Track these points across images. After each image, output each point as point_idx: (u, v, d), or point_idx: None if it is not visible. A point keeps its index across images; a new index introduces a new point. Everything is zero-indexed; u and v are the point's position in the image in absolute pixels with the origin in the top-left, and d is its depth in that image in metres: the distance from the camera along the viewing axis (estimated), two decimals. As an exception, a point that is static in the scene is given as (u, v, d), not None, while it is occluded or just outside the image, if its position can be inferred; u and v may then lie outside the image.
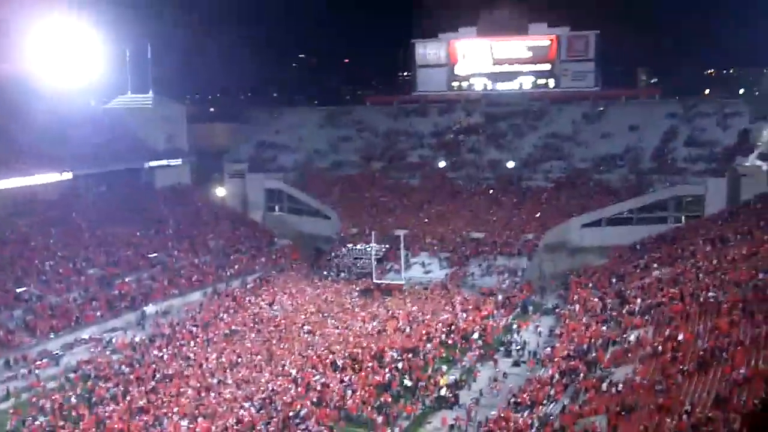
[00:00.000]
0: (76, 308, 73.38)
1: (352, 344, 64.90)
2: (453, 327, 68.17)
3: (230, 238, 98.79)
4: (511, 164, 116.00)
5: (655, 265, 73.86)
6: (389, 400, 53.54)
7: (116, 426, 50.61)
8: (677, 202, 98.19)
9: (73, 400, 55.92)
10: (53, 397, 56.31)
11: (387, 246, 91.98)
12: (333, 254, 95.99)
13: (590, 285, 75.06)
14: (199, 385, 57.67)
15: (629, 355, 52.72)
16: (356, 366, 59.68)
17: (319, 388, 55.54)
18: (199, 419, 51.29)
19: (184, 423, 50.82)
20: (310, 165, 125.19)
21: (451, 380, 56.79)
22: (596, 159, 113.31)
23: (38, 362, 63.99)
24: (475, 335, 66.01)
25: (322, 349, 64.17)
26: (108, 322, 73.35)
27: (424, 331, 67.25)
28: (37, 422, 52.22)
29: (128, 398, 55.64)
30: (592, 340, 58.33)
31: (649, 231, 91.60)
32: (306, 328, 71.00)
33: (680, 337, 49.64)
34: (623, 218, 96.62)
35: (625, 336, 56.97)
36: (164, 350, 66.45)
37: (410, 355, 61.61)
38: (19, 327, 68.41)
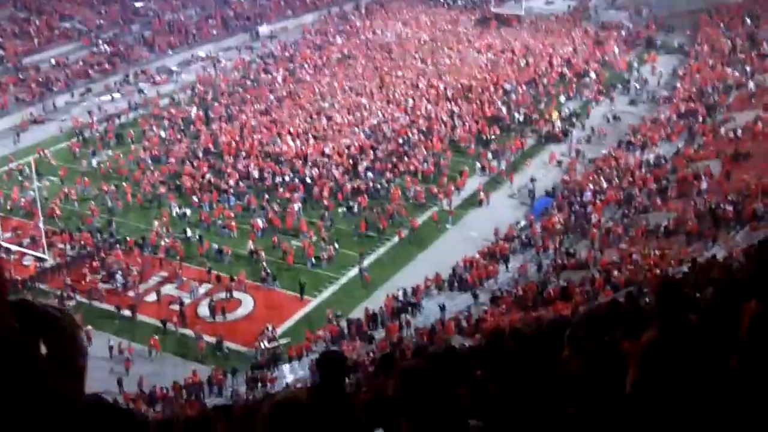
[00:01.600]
0: (192, 25, 73.76)
1: (465, 74, 63.85)
2: (571, 61, 66.10)
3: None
4: None
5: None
6: (498, 132, 53.25)
7: (231, 142, 52.11)
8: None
9: (192, 115, 57.45)
10: (171, 111, 57.98)
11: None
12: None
13: (721, 24, 70.82)
14: (311, 107, 58.25)
15: (753, 100, 50.38)
16: (468, 96, 59.03)
17: (428, 116, 55.44)
18: (311, 141, 52.27)
19: (297, 143, 51.89)
20: None
21: (564, 115, 55.76)
22: None
23: (157, 77, 65.34)
24: (592, 72, 63.89)
25: (434, 78, 63.37)
26: (223, 40, 73.67)
27: (540, 65, 65.48)
28: (155, 134, 54.26)
29: (243, 117, 56.85)
30: (716, 83, 55.80)
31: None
32: (419, 55, 69.88)
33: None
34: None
35: (752, 80, 54.21)
36: (277, 71, 66.78)
37: (524, 88, 60.46)
38: (137, 42, 69.44)
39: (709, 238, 33.38)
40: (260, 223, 42.97)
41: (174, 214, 44.21)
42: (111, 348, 33.42)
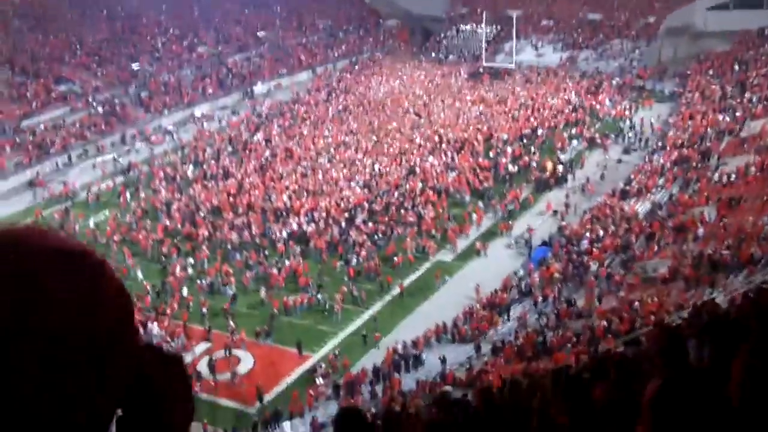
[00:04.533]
0: (188, 85, 74.50)
1: (459, 127, 64.39)
2: (564, 112, 66.71)
3: (338, 18, 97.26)
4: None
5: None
6: (494, 183, 53.60)
7: (229, 199, 52.34)
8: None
9: (189, 174, 57.76)
10: (167, 171, 58.29)
11: (498, 27, 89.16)
12: (442, 35, 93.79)
13: (711, 72, 71.60)
14: (306, 162, 58.63)
15: (745, 146, 50.76)
16: (462, 148, 59.45)
17: (423, 169, 55.79)
18: (308, 195, 52.53)
19: (293, 198, 52.13)
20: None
21: (558, 164, 56.14)
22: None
23: (153, 137, 65.79)
24: (586, 121, 64.50)
25: (429, 131, 63.90)
26: (219, 99, 74.35)
27: (533, 116, 66.08)
28: (153, 193, 54.50)
29: (239, 173, 57.17)
30: (708, 129, 56.27)
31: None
32: (413, 109, 70.54)
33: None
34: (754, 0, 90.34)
35: (743, 126, 54.68)
36: (273, 128, 67.29)
37: (518, 139, 60.95)
38: (133, 103, 70.05)
39: (707, 284, 33.43)
40: (249, 276, 43.35)
41: (177, 272, 44.13)
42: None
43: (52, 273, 1.26)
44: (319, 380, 35.32)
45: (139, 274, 43.85)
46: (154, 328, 38.59)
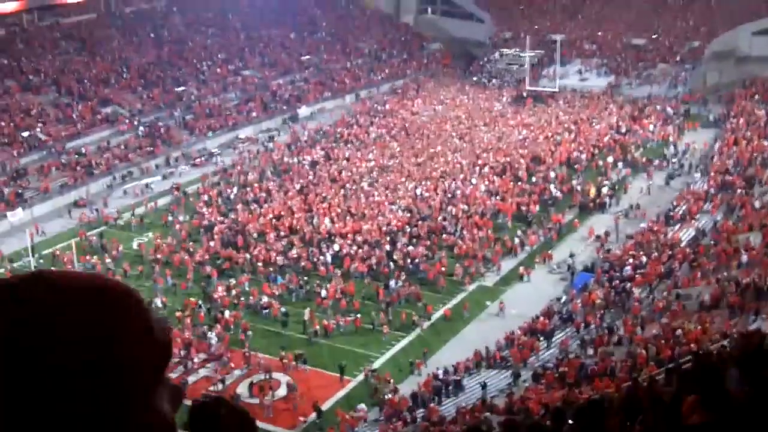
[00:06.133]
0: (233, 108, 75.33)
1: (502, 152, 64.31)
2: (607, 136, 66.37)
3: (381, 42, 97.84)
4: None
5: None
6: (537, 208, 53.40)
7: (271, 222, 52.65)
8: None
9: (232, 196, 58.28)
10: (210, 193, 58.86)
11: (541, 51, 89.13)
12: (485, 59, 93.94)
13: (756, 97, 70.85)
14: (349, 186, 58.86)
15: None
16: (505, 173, 59.33)
17: (465, 193, 55.78)
18: (350, 219, 52.70)
19: (335, 222, 52.32)
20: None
21: (601, 190, 55.81)
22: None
23: (197, 160, 66.53)
24: (629, 147, 64.09)
25: (472, 155, 63.90)
26: (263, 122, 75.06)
27: (577, 141, 65.81)
28: (196, 215, 55.04)
29: (282, 196, 57.54)
30: (753, 155, 55.63)
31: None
32: (455, 134, 70.61)
33: None
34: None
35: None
36: (316, 152, 67.66)
37: (562, 164, 60.75)
38: (178, 125, 70.96)
39: (751, 311, 32.98)
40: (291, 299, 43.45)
41: (219, 294, 44.36)
42: None
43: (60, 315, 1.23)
44: (361, 404, 35.24)
45: (179, 296, 44.28)
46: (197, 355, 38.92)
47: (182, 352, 38.55)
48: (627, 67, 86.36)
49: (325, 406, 35.45)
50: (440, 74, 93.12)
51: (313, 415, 34.62)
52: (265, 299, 43.65)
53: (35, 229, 52.47)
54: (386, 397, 35.05)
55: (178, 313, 41.91)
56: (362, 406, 35.22)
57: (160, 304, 42.84)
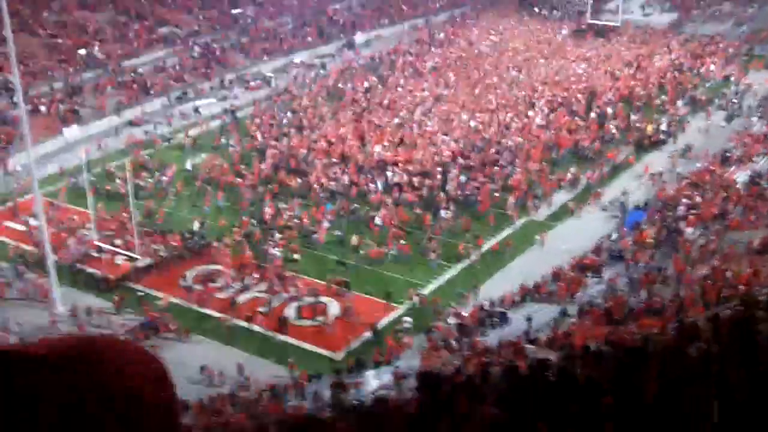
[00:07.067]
0: (288, 32, 74.95)
1: (559, 85, 63.32)
2: (668, 74, 64.91)
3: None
4: None
5: None
6: (592, 144, 52.68)
7: (323, 148, 52.66)
8: None
9: (285, 121, 58.34)
10: (264, 117, 58.95)
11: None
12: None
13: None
14: (403, 115, 58.52)
15: None
16: (562, 107, 58.50)
17: (521, 127, 55.18)
18: (402, 148, 52.50)
19: (388, 150, 52.16)
20: None
21: (659, 128, 54.81)
22: None
23: (251, 83, 66.52)
24: (690, 85, 62.65)
25: (529, 88, 63.02)
26: (318, 47, 74.62)
27: (636, 77, 64.51)
28: (249, 138, 55.26)
29: (335, 123, 57.43)
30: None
31: None
32: (513, 66, 69.59)
33: None
34: None
35: None
36: (370, 79, 67.24)
37: (620, 100, 59.69)
38: (233, 48, 70.86)
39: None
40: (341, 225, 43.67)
41: (269, 217, 44.71)
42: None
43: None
44: (406, 322, 35.60)
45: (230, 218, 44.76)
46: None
47: (233, 272, 39.22)
48: (691, 2, 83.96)
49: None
50: (499, 4, 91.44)
51: (368, 334, 35.14)
52: (315, 224, 43.97)
53: (97, 144, 53.21)
54: (448, 321, 35.35)
55: (226, 237, 42.42)
56: (408, 319, 35.62)
57: (197, 226, 43.45)
